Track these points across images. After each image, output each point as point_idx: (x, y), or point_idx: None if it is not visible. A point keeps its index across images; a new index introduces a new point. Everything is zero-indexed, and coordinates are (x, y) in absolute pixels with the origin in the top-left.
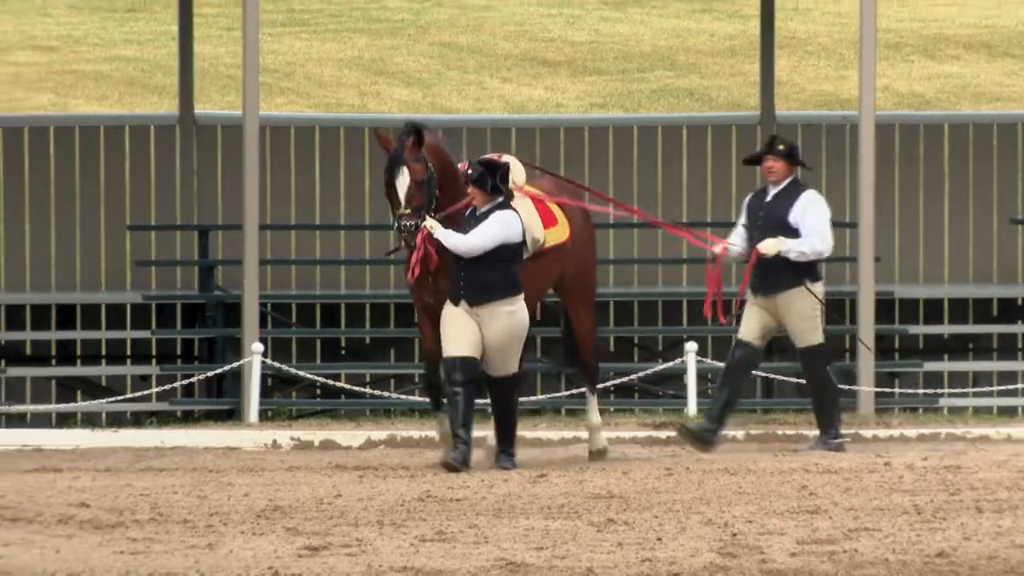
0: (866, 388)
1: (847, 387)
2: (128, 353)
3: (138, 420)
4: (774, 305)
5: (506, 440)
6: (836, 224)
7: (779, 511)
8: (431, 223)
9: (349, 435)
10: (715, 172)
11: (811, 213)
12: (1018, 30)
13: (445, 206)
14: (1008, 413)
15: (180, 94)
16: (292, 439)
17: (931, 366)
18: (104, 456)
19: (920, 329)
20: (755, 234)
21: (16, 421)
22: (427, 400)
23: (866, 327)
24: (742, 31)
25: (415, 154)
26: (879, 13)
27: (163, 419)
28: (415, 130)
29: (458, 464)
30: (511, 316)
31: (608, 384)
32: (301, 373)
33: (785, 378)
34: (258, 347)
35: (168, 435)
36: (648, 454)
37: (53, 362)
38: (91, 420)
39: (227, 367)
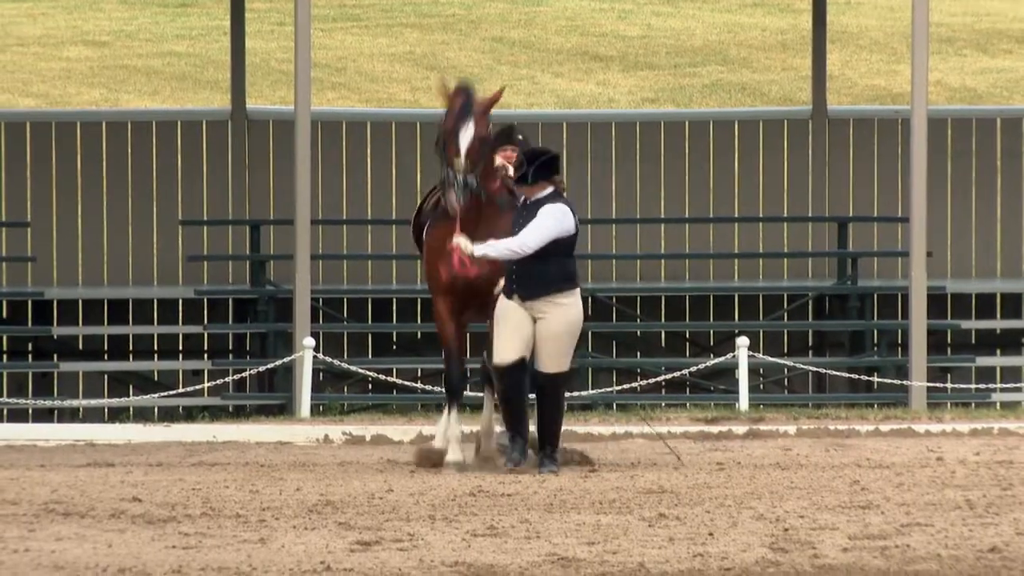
0: (918, 383)
1: (900, 382)
2: (180, 348)
3: (190, 415)
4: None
5: (549, 442)
6: (888, 219)
7: (831, 506)
8: (463, 242)
9: (400, 430)
10: (767, 167)
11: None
12: None
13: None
14: None
15: (232, 89)
16: (344, 434)
17: (983, 361)
18: (156, 451)
19: (972, 324)
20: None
21: (69, 416)
22: (451, 394)
23: (918, 322)
24: (794, 25)
25: (484, 109)
26: (931, 7)
27: (215, 414)
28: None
29: (518, 463)
30: (566, 310)
31: (660, 379)
32: (352, 368)
33: (837, 373)
34: (309, 342)
35: (220, 430)
36: (700, 448)
37: (105, 357)
38: (143, 415)
39: (279, 362)
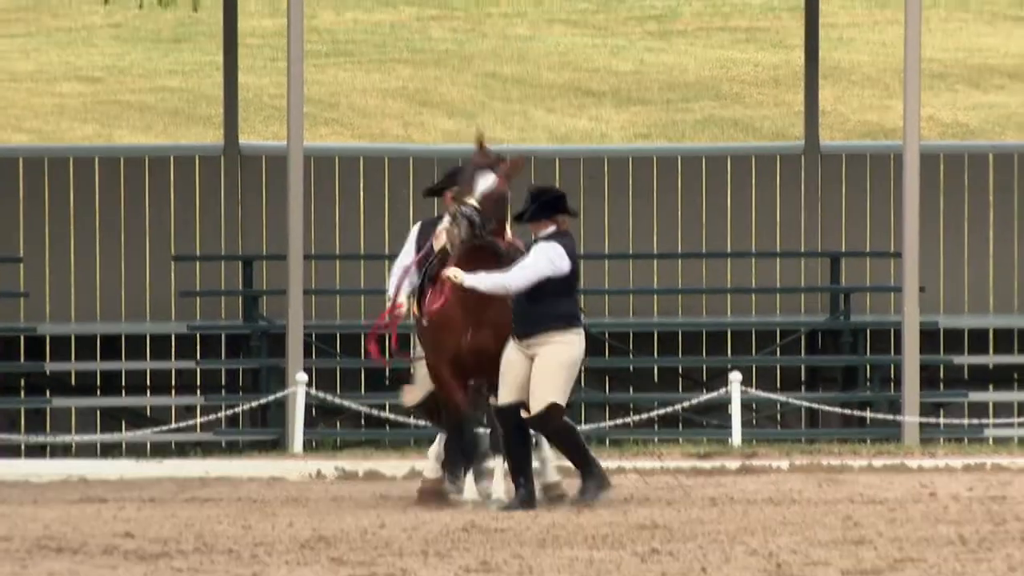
0: (911, 418)
1: (893, 417)
2: (173, 383)
3: (182, 450)
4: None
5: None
6: (881, 254)
7: (824, 541)
8: (454, 272)
9: (393, 465)
10: (759, 202)
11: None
12: None
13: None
14: None
15: (225, 125)
16: (336, 469)
17: (976, 396)
18: (149, 486)
19: (965, 359)
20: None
21: (61, 451)
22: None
23: (911, 357)
24: (786, 61)
25: (508, 173)
26: (923, 43)
27: (207, 449)
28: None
29: (526, 505)
30: (557, 348)
31: (652, 414)
32: (345, 403)
33: (830, 408)
34: (302, 377)
35: (212, 465)
36: (692, 483)
37: (98, 392)
38: (136, 450)
39: (271, 397)
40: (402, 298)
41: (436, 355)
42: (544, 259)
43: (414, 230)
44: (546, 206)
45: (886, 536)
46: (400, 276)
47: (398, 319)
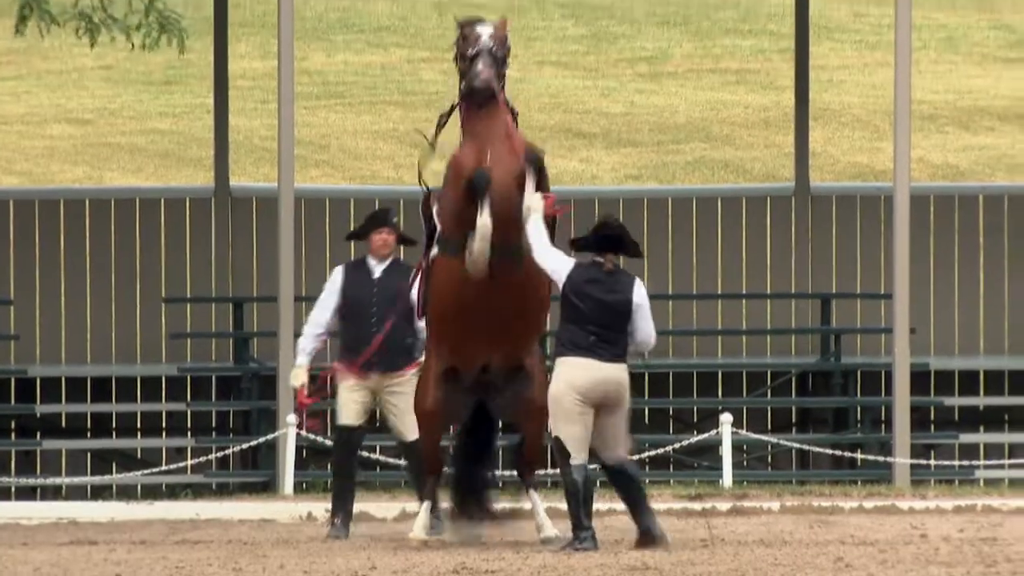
0: (902, 460)
1: (884, 458)
2: (163, 425)
3: (173, 492)
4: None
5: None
6: (871, 295)
7: None
8: (538, 200)
9: (384, 507)
10: (750, 243)
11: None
12: None
13: None
14: None
15: (215, 167)
16: (327, 511)
17: (967, 438)
18: (139, 528)
19: (956, 401)
20: (373, 308)
21: (52, 494)
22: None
23: (902, 399)
24: (776, 103)
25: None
26: (913, 85)
27: (198, 491)
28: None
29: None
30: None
31: (644, 456)
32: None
33: (820, 449)
34: (293, 419)
35: (203, 507)
36: (683, 525)
37: (88, 435)
38: (126, 492)
39: (262, 439)
40: (303, 378)
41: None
42: (562, 266)
43: (336, 276)
44: (598, 241)
45: None
46: (312, 338)
47: (315, 399)
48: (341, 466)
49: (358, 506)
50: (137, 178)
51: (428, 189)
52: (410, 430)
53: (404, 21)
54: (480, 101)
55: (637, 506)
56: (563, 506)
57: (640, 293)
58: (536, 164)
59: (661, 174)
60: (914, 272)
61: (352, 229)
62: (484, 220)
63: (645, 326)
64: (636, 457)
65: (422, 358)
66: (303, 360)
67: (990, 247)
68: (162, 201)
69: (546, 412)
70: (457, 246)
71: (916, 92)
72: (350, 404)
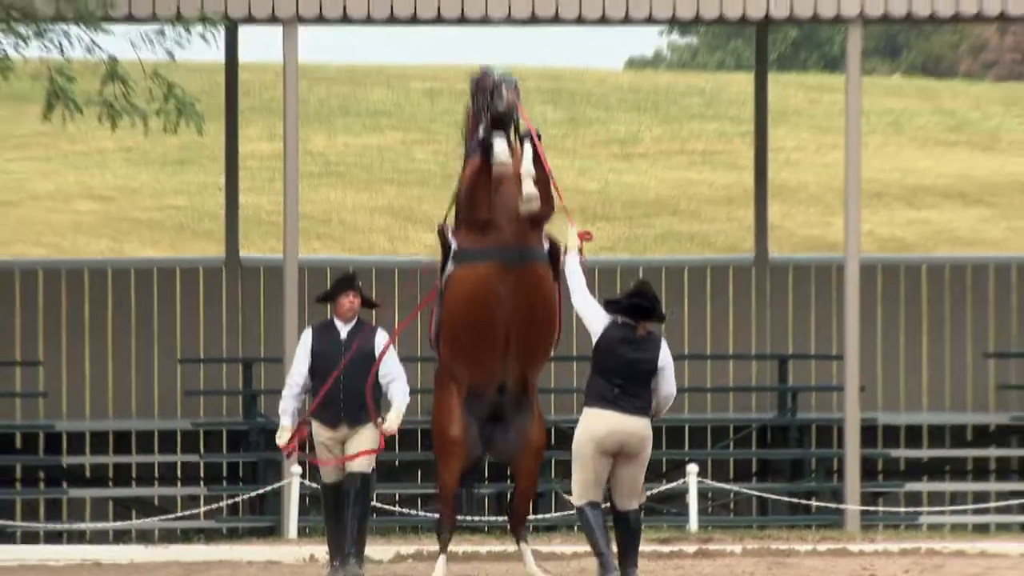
0: (853, 507)
1: (836, 505)
2: (178, 475)
3: (187, 536)
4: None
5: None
6: (824, 356)
7: None
8: (576, 237)
9: (380, 549)
10: (714, 309)
11: (393, 351)
12: (990, 180)
13: None
14: (982, 530)
15: (226, 239)
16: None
17: (912, 486)
18: (156, 570)
19: (901, 452)
20: (336, 367)
21: (77, 538)
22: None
23: (852, 451)
24: (738, 181)
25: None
26: (862, 165)
27: (210, 535)
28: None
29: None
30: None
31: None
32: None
33: (778, 497)
34: (296, 469)
35: (215, 550)
36: (654, 567)
37: (110, 484)
38: (145, 537)
39: (268, 487)
40: (286, 437)
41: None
42: (599, 320)
43: (306, 337)
44: (630, 308)
45: None
46: (293, 398)
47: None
48: (330, 516)
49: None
50: (155, 249)
51: (443, 222)
52: (359, 463)
53: (398, 107)
54: (495, 126)
55: (626, 553)
56: (549, 548)
57: (666, 355)
58: (530, 136)
59: (633, 246)
60: (863, 335)
61: (323, 293)
62: (501, 151)
63: (667, 385)
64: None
65: (388, 417)
66: (286, 421)
67: (932, 313)
68: (177, 270)
69: (542, 451)
70: (473, 253)
71: (865, 171)
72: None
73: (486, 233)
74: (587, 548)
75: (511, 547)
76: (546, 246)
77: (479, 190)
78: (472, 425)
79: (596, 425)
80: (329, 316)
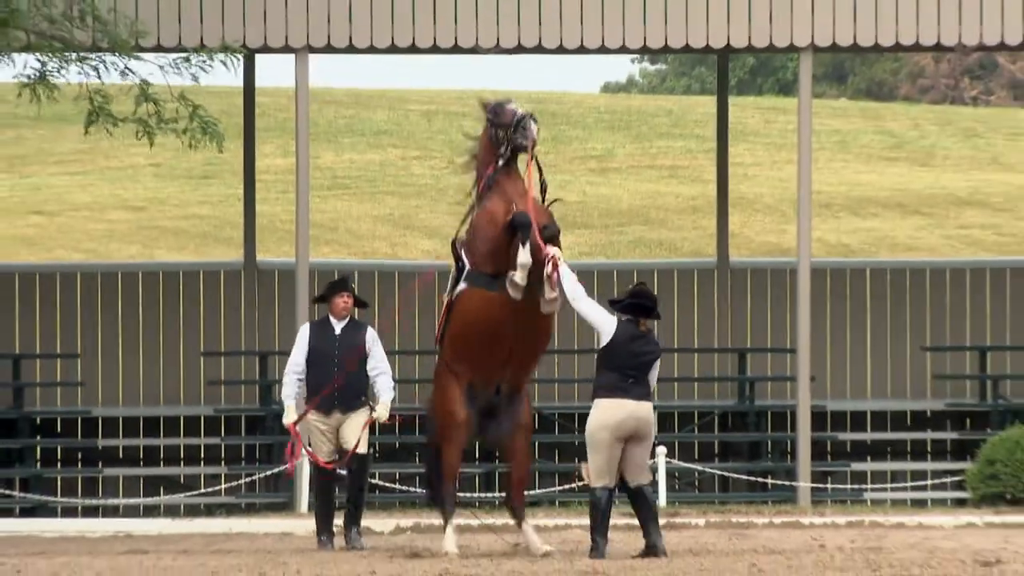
0: (804, 484)
1: (790, 483)
2: (202, 456)
3: (210, 511)
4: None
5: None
6: (779, 350)
7: None
8: (558, 253)
9: (381, 523)
10: (680, 307)
11: (380, 346)
12: (926, 193)
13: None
14: (919, 504)
15: (245, 245)
16: (336, 526)
17: (857, 466)
18: (182, 540)
19: (848, 436)
20: (335, 359)
21: (111, 512)
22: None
23: (804, 434)
24: (702, 193)
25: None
26: (813, 179)
27: (230, 510)
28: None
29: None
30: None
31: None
32: (342, 472)
33: (738, 476)
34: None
35: (234, 523)
36: (625, 537)
37: (141, 464)
38: (172, 511)
39: (282, 467)
40: (292, 416)
41: (461, 331)
42: (608, 320)
43: (304, 331)
44: (633, 307)
45: None
46: (294, 382)
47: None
48: (320, 497)
49: (362, 522)
50: (181, 255)
51: (456, 237)
52: (352, 441)
53: (398, 126)
54: (514, 156)
55: (648, 524)
56: (533, 521)
57: (660, 354)
58: (555, 237)
59: (608, 251)
60: (814, 331)
61: (319, 294)
62: (525, 255)
63: (654, 377)
64: (582, 483)
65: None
66: (290, 403)
67: (875, 311)
68: (201, 273)
69: (531, 431)
70: (486, 280)
71: (815, 184)
72: (322, 447)
73: (498, 267)
74: (566, 521)
75: (499, 520)
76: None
77: (498, 255)
78: (472, 412)
79: (612, 413)
80: (325, 314)
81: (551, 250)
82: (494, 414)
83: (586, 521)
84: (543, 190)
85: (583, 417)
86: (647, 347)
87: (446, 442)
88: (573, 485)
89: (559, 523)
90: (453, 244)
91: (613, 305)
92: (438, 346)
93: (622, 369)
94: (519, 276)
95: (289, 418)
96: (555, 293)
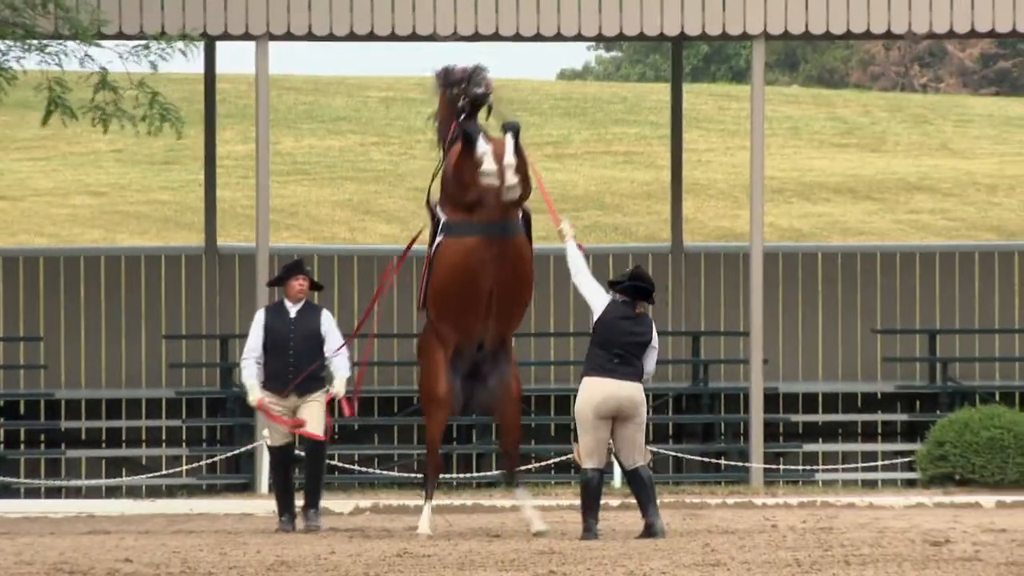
0: (757, 465)
1: (743, 464)
2: (163, 438)
3: (171, 492)
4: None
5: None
6: (732, 333)
7: (687, 564)
8: (569, 226)
9: (341, 503)
10: None
11: (336, 329)
12: (877, 179)
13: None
14: (870, 485)
15: (205, 230)
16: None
17: (809, 447)
18: (144, 521)
19: (800, 417)
20: (291, 342)
21: (74, 493)
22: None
23: (756, 416)
24: (656, 178)
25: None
26: (765, 164)
27: (191, 491)
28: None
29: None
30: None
31: (549, 462)
32: (301, 453)
33: (692, 457)
34: (267, 433)
35: (195, 504)
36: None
37: (103, 445)
38: (134, 492)
39: (242, 449)
40: (257, 394)
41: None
42: (601, 298)
43: (259, 316)
44: (632, 289)
45: (737, 560)
46: (253, 365)
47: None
48: (278, 476)
49: (321, 503)
50: (143, 239)
51: (428, 193)
52: (317, 429)
53: (357, 112)
54: (475, 110)
55: (646, 504)
56: (490, 502)
57: (655, 335)
58: (515, 129)
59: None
60: (767, 314)
61: (274, 277)
62: (482, 145)
63: (652, 360)
64: (544, 463)
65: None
66: (253, 383)
67: (827, 295)
68: (162, 257)
69: (521, 396)
70: (462, 227)
71: (768, 170)
72: (278, 428)
73: (472, 209)
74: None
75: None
76: (520, 215)
77: (466, 176)
78: (456, 383)
79: (593, 392)
80: (281, 298)
81: (562, 225)
82: (480, 376)
83: (544, 501)
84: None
85: (539, 400)
86: (637, 328)
87: (427, 418)
88: (530, 467)
89: (516, 504)
90: (428, 203)
91: (612, 286)
92: (422, 309)
93: (609, 348)
94: (486, 164)
95: (255, 395)
96: (516, 179)
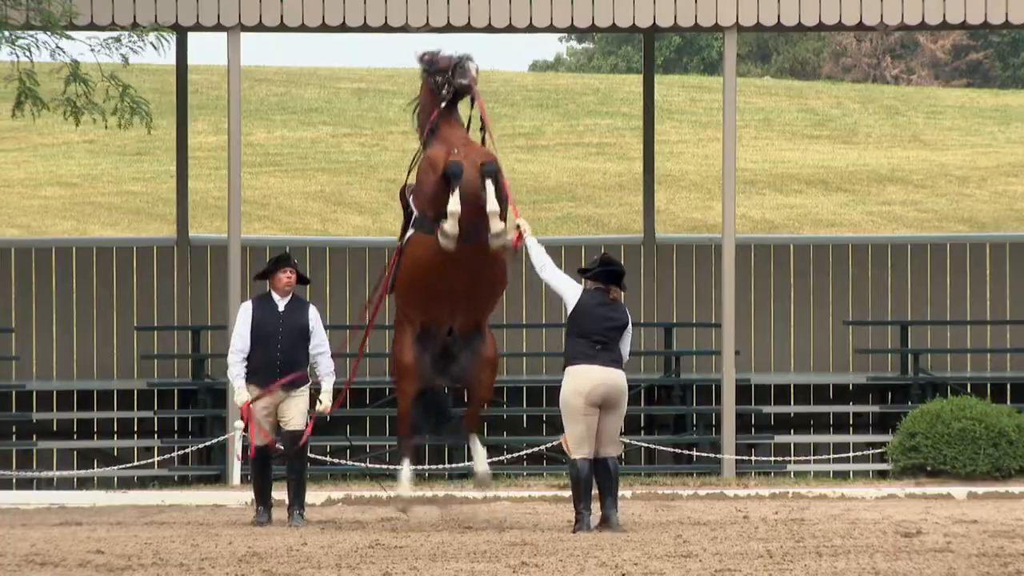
0: (728, 456)
1: (715, 455)
2: (135, 429)
3: (143, 483)
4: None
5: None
6: (704, 324)
7: (659, 555)
8: (524, 223)
9: (312, 495)
10: None
11: (322, 327)
12: (848, 170)
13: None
14: (841, 476)
15: (177, 221)
16: (274, 500)
17: (780, 438)
18: (116, 512)
19: (772, 409)
20: (279, 336)
21: (45, 484)
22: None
23: (728, 408)
24: (628, 169)
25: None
26: (737, 156)
27: (163, 482)
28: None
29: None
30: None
31: (522, 453)
32: (280, 447)
33: (664, 448)
34: (239, 424)
35: (167, 495)
36: (554, 509)
37: (75, 437)
38: (105, 483)
39: (214, 440)
40: (245, 396)
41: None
42: (573, 288)
43: (246, 308)
44: (606, 274)
45: (709, 551)
46: (240, 362)
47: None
48: (257, 471)
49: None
50: (114, 230)
51: (404, 185)
52: (292, 423)
53: (329, 104)
54: (456, 99)
55: (606, 496)
56: (463, 493)
57: (629, 321)
58: (494, 173)
59: (536, 227)
60: (739, 306)
61: (262, 269)
62: (454, 202)
63: (627, 345)
64: (517, 454)
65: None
66: (241, 383)
67: (799, 286)
68: (134, 249)
69: (495, 366)
70: (431, 225)
71: (740, 162)
72: (263, 426)
73: (440, 212)
74: (496, 493)
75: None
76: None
77: (437, 193)
78: (424, 355)
79: (583, 379)
80: (267, 290)
81: (519, 221)
82: (452, 356)
83: (516, 493)
84: (484, 128)
85: (511, 391)
86: (613, 313)
87: (398, 385)
88: (503, 458)
89: (488, 495)
90: (402, 192)
91: (582, 274)
92: (391, 292)
93: (589, 336)
94: (448, 224)
95: (242, 398)
96: (501, 226)
